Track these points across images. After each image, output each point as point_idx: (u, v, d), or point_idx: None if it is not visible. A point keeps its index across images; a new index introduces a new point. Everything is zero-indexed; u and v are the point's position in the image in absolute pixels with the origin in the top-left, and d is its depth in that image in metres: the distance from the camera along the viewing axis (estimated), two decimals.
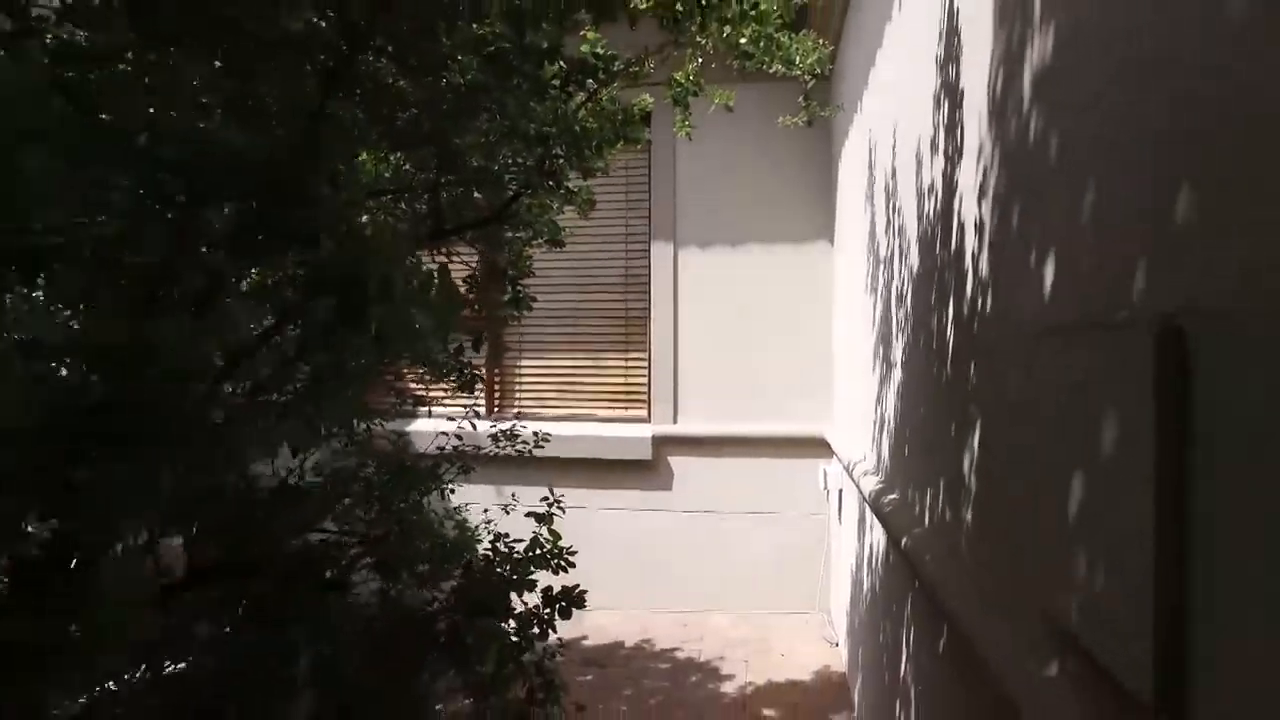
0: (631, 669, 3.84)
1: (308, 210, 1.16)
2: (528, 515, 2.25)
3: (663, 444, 4.57)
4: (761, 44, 2.10)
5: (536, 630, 2.23)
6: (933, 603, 1.72)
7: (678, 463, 4.57)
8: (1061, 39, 1.09)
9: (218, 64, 1.40)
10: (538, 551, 2.15)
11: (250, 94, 1.35)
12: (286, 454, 1.64)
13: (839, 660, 3.79)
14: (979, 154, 1.47)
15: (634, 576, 4.55)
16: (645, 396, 4.69)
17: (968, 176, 1.56)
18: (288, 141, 1.29)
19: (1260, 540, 0.64)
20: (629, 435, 4.59)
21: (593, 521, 4.55)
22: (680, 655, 3.98)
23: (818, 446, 4.28)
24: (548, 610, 2.22)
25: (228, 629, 1.54)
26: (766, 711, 3.36)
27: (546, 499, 2.39)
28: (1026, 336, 1.16)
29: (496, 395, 4.93)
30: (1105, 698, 0.90)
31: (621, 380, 4.76)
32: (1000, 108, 1.35)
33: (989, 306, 1.40)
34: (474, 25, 1.78)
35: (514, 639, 2.15)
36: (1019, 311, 1.23)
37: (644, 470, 4.60)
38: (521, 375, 4.90)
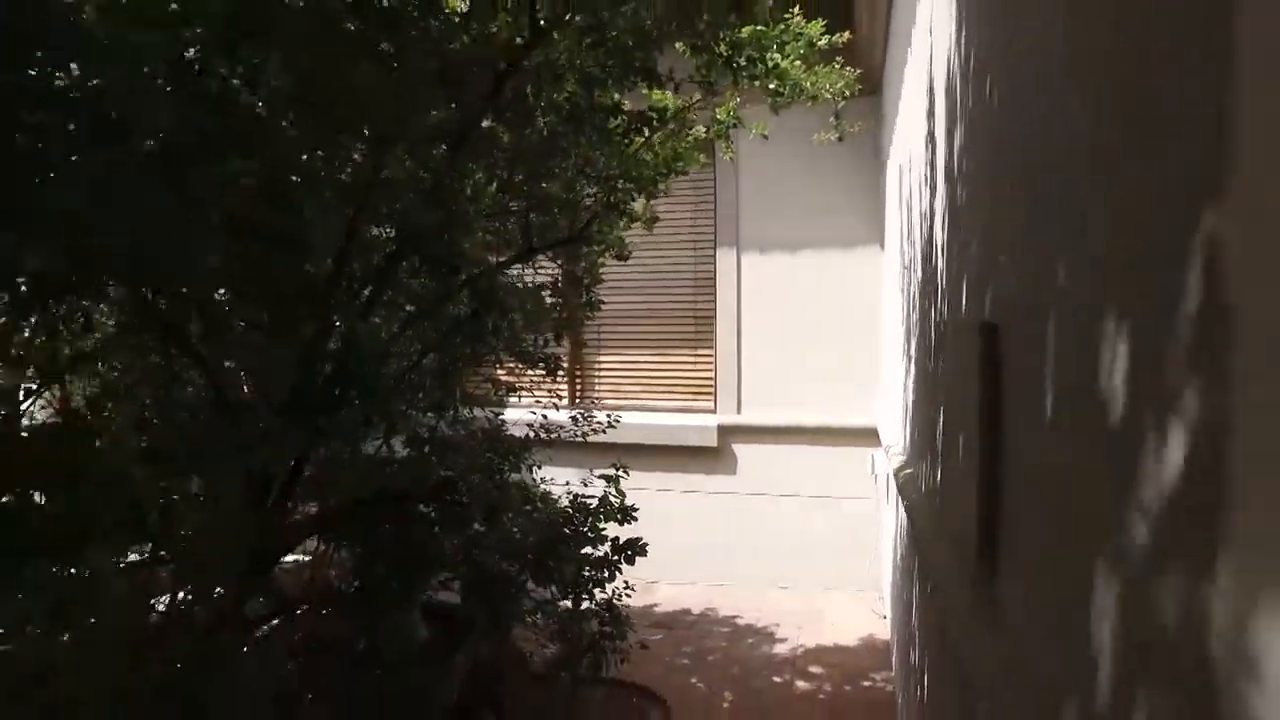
0: (695, 631, 4.31)
1: (445, 246, 1.69)
2: (599, 477, 2.76)
3: (727, 432, 5.02)
4: (787, 89, 2.54)
5: (606, 573, 2.74)
6: (919, 550, 2.13)
7: (741, 450, 5.01)
8: (968, 122, 1.50)
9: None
10: (606, 506, 2.65)
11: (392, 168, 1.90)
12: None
13: (885, 630, 4.15)
14: (944, 184, 1.88)
15: (700, 553, 5.01)
16: (711, 389, 5.15)
17: (939, 201, 1.97)
18: (431, 199, 1.83)
19: (1036, 441, 1.07)
20: (697, 424, 5.05)
21: (663, 503, 5.03)
22: (740, 622, 4.42)
23: (868, 435, 4.64)
24: (615, 556, 2.72)
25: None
26: (812, 668, 3.77)
27: (615, 464, 2.90)
28: (949, 333, 1.59)
29: (578, 387, 5.48)
30: (962, 555, 1.33)
31: (690, 374, 5.23)
32: (949, 155, 1.77)
33: (946, 310, 1.82)
34: (554, 91, 2.29)
35: (587, 574, 2.67)
36: (955, 314, 1.65)
37: (710, 456, 5.06)
38: (600, 369, 5.43)
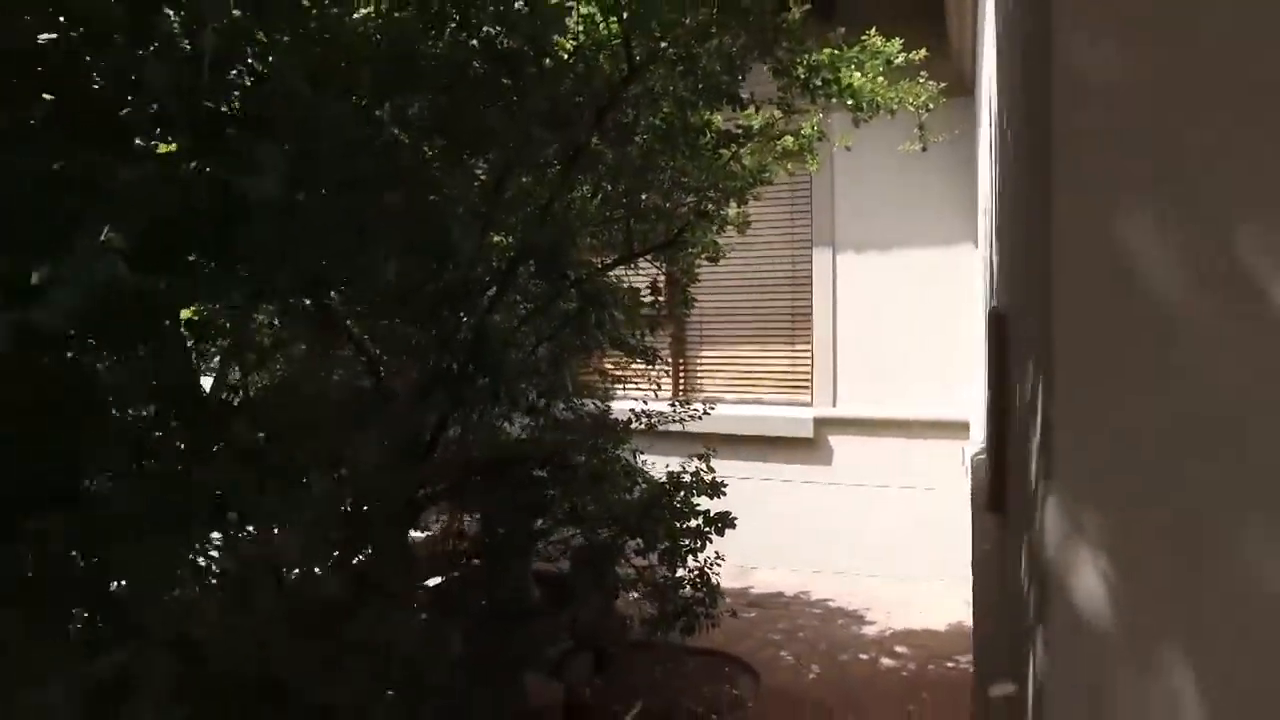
0: (788, 612, 4.55)
1: (554, 254, 2.05)
2: (692, 457, 3.07)
3: (823, 424, 5.21)
4: (865, 106, 2.76)
5: (698, 542, 3.05)
6: (975, 522, 2.33)
7: (836, 441, 5.20)
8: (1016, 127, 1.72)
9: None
10: (698, 482, 2.96)
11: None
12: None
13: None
14: (999, 180, 2.09)
15: (796, 541, 5.23)
16: (808, 382, 5.35)
17: (995, 197, 2.16)
18: (544, 215, 2.20)
19: (1033, 398, 1.31)
20: (794, 416, 5.28)
21: (761, 491, 5.28)
22: (831, 605, 4.62)
23: (960, 428, 4.73)
24: (706, 528, 3.03)
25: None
26: (898, 649, 3.95)
27: (707, 447, 3.21)
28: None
29: (681, 380, 5.80)
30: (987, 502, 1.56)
31: (788, 368, 5.45)
32: (1004, 154, 1.97)
33: (992, 300, 2.03)
34: (651, 114, 2.62)
35: (684, 544, 2.99)
36: (988, 304, 1.86)
37: (807, 447, 5.27)
38: (703, 364, 5.74)
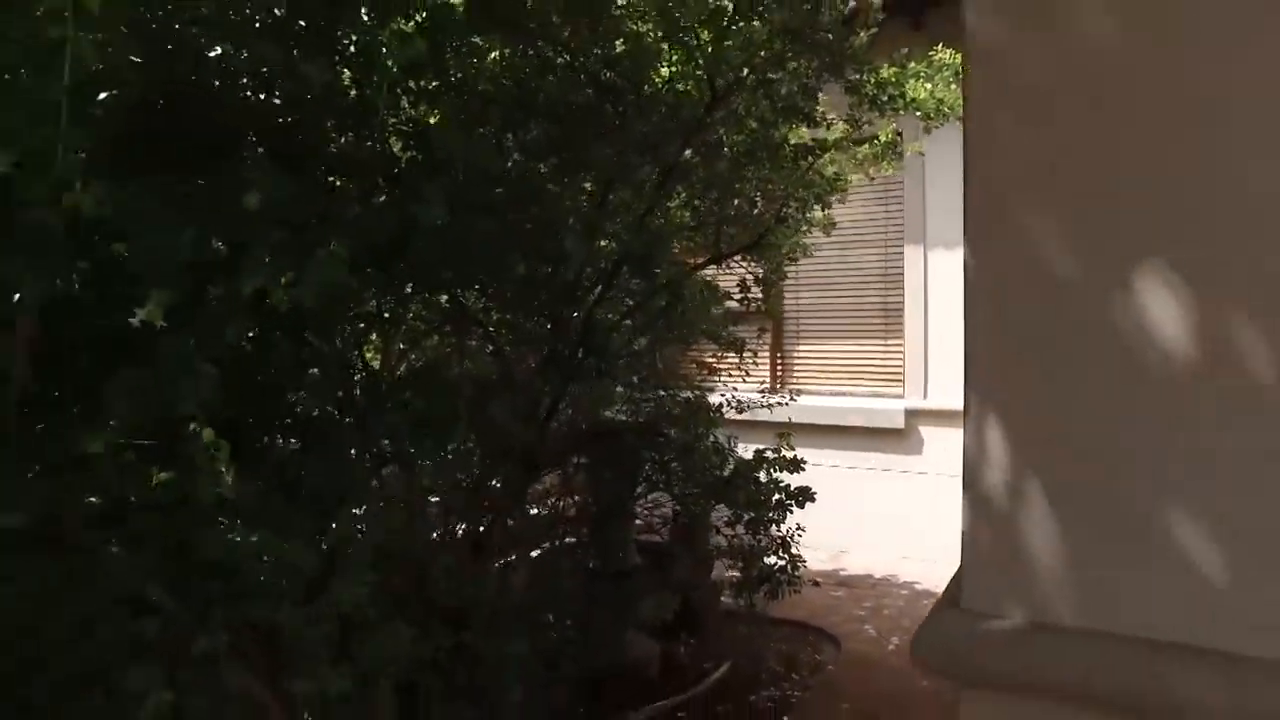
0: (875, 591, 4.79)
1: (648, 258, 2.46)
2: (776, 435, 3.40)
3: (914, 416, 5.41)
4: (933, 114, 3.02)
5: (779, 513, 3.38)
6: None
7: (927, 432, 5.38)
8: None
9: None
10: (780, 458, 3.29)
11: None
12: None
13: None
14: None
15: (886, 526, 5.44)
16: (900, 375, 5.55)
17: None
18: (640, 224, 2.61)
19: None
20: (886, 408, 5.50)
21: (854, 479, 5.53)
22: (918, 587, 4.83)
23: None
24: (788, 500, 3.36)
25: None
26: None
27: (800, 435, 3.54)
28: None
29: (779, 373, 6.11)
30: None
31: (881, 361, 5.67)
32: None
33: None
34: (735, 132, 2.98)
35: (767, 515, 3.33)
36: None
37: (898, 438, 5.47)
38: (799, 358, 6.03)
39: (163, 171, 1.38)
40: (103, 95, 1.28)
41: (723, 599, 4.24)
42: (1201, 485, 0.97)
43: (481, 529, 2.32)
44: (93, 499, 1.36)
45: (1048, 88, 1.06)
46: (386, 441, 1.99)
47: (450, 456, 2.02)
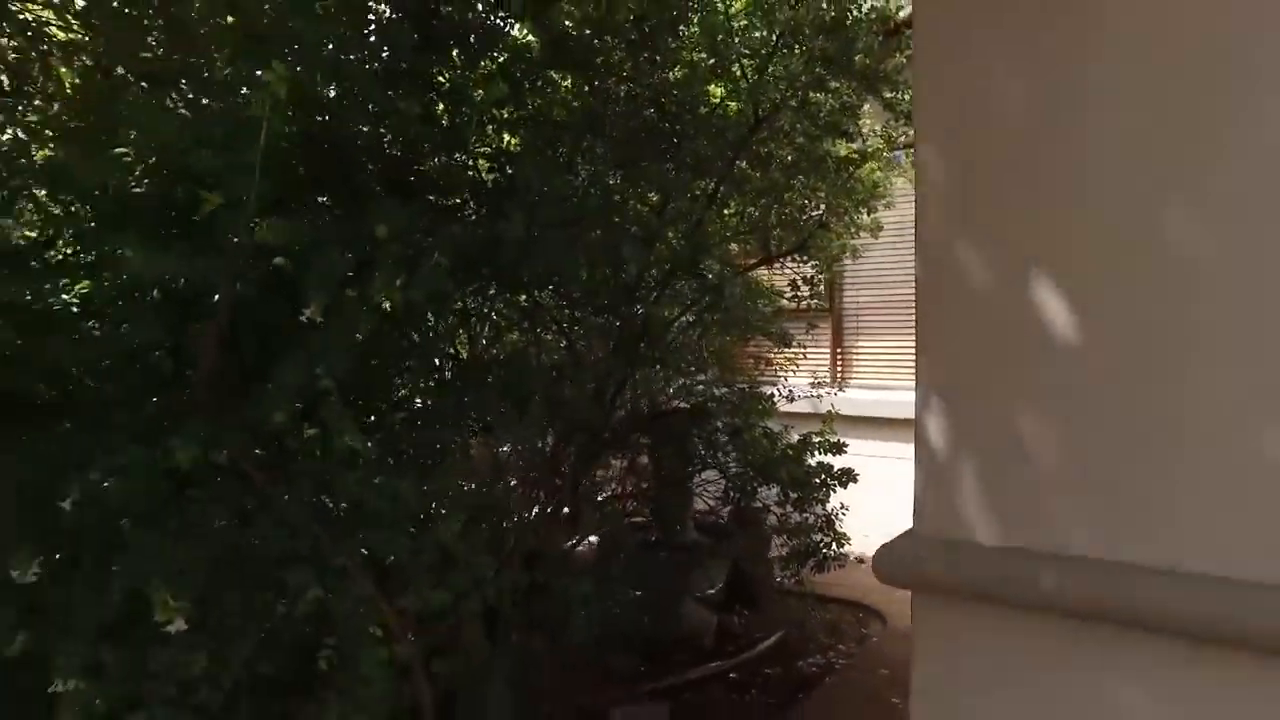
0: None
1: (697, 262, 2.82)
2: (821, 421, 3.71)
3: None
4: None
5: (824, 491, 3.69)
6: None
7: None
8: None
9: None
10: (823, 441, 3.60)
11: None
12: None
13: None
14: None
15: None
16: None
17: None
18: (694, 231, 2.97)
19: None
20: None
21: (910, 469, 5.72)
22: None
23: None
24: (831, 480, 3.66)
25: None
26: None
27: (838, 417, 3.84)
28: None
29: (839, 368, 6.35)
30: None
31: None
32: None
33: None
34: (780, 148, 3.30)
35: (813, 493, 3.64)
36: None
37: None
38: (859, 353, 6.26)
39: (313, 203, 1.83)
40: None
41: (777, 578, 4.55)
42: (1083, 432, 1.28)
43: (554, 491, 2.73)
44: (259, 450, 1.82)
45: (968, 155, 1.39)
46: (474, 415, 2.41)
47: (528, 429, 2.43)
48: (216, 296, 1.68)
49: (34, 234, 1.78)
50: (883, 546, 1.51)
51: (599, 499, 3.33)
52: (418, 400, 2.28)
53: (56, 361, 1.71)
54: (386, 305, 1.79)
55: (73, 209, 1.76)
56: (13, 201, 1.69)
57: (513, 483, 2.55)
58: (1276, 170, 1.13)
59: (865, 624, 4.34)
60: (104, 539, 1.52)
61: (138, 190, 1.71)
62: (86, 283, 1.73)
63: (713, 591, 4.48)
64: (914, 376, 1.51)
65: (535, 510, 2.62)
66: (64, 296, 1.68)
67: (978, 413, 1.41)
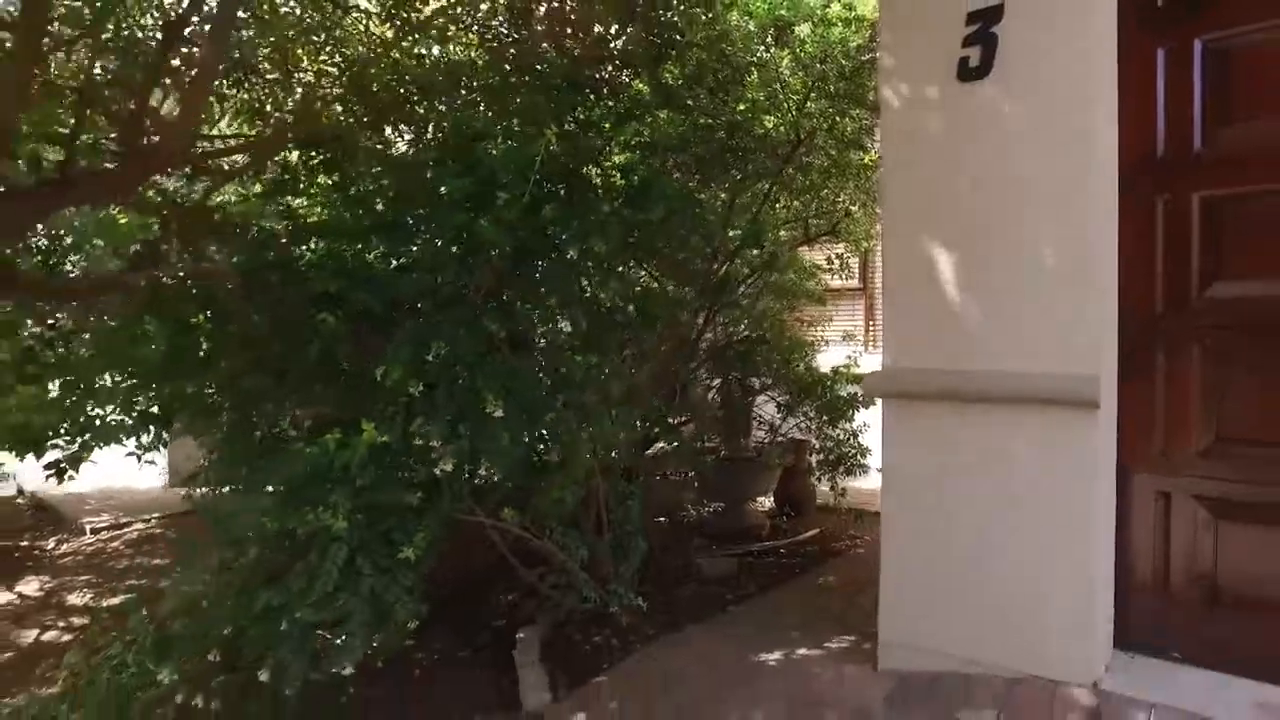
0: None
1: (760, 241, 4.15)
2: (846, 357, 4.99)
3: None
4: None
5: (850, 411, 4.97)
6: None
7: None
8: None
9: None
10: (849, 370, 4.88)
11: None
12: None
13: None
14: None
15: None
16: None
17: None
18: (753, 222, 4.29)
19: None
20: None
21: None
22: None
23: None
24: (856, 402, 4.94)
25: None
26: None
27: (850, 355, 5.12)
28: None
29: (871, 335, 7.60)
30: None
31: None
32: None
33: None
34: (817, 157, 4.60)
35: (841, 410, 4.93)
36: None
37: None
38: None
39: (556, 195, 3.21)
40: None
41: (815, 493, 5.83)
42: (956, 313, 2.58)
43: (670, 389, 4.08)
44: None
45: (910, 201, 2.70)
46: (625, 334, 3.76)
47: (653, 343, 3.79)
48: (495, 251, 3.05)
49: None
50: (867, 375, 2.83)
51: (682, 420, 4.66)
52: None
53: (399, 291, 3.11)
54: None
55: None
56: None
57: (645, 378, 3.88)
58: (1002, 197, 2.43)
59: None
60: (450, 375, 2.90)
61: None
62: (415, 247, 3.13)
63: (766, 497, 5.80)
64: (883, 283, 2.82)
65: (658, 399, 3.97)
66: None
67: (914, 307, 2.72)
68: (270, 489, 2.68)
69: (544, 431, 3.07)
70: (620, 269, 3.64)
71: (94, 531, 6.77)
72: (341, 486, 2.60)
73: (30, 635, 4.65)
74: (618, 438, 3.57)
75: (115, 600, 4.69)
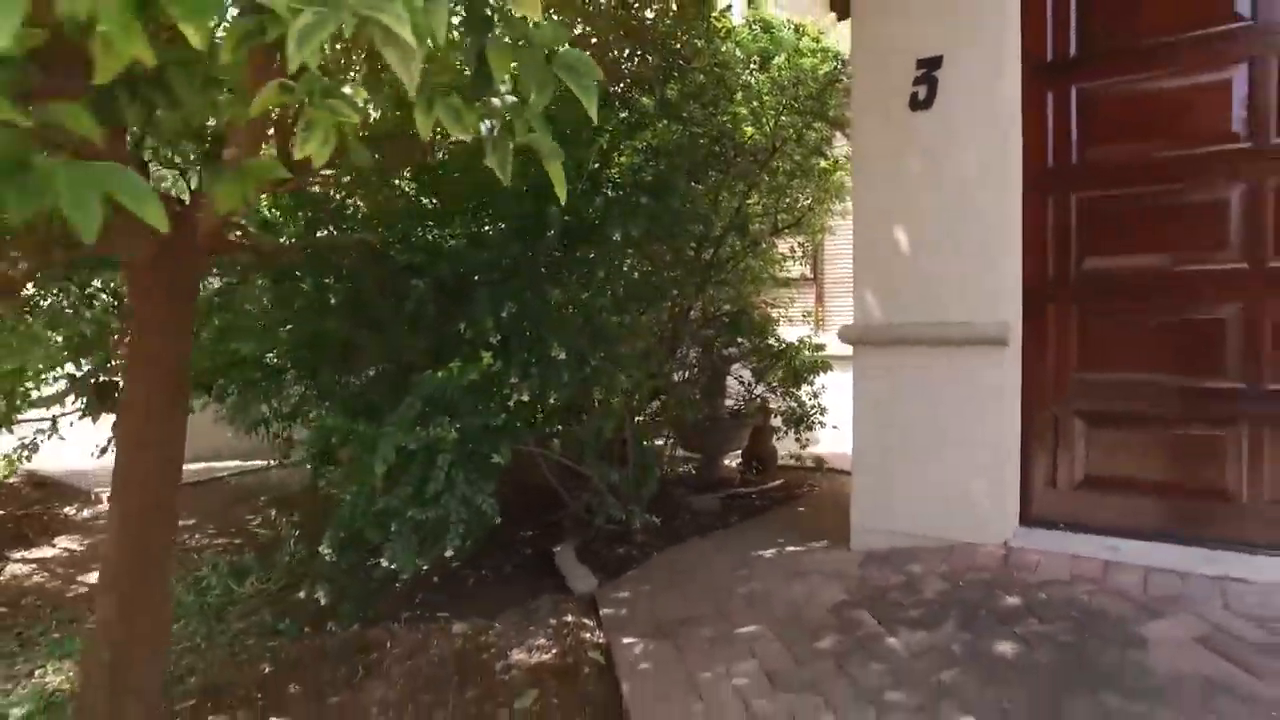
0: None
1: (744, 231, 5.05)
2: (802, 339, 5.95)
3: None
4: None
5: (808, 375, 5.93)
6: None
7: None
8: None
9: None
10: (806, 344, 5.84)
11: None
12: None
13: None
14: None
15: None
16: None
17: None
18: (737, 216, 5.19)
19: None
20: None
21: None
22: None
23: None
24: (816, 368, 5.90)
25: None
26: None
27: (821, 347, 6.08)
28: None
29: (821, 316, 8.63)
30: None
31: None
32: None
33: None
34: (784, 162, 5.53)
35: (804, 378, 5.88)
36: None
37: None
38: (835, 308, 8.53)
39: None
40: None
41: (780, 458, 6.79)
42: (908, 281, 3.52)
43: (671, 347, 4.93)
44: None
45: (876, 197, 3.63)
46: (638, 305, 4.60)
47: (660, 312, 4.63)
48: (550, 231, 3.86)
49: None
50: (842, 327, 3.76)
51: (675, 380, 5.53)
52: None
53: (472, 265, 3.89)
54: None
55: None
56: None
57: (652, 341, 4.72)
58: (940, 196, 3.39)
59: (833, 480, 6.56)
60: (520, 329, 3.70)
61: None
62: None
63: (738, 452, 6.72)
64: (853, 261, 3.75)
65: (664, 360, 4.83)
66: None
67: (876, 277, 3.65)
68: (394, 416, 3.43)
69: (589, 372, 3.88)
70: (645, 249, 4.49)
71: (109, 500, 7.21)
72: (447, 412, 3.38)
73: (94, 576, 5.19)
74: (639, 385, 4.42)
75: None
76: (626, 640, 3.16)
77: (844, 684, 2.56)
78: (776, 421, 6.29)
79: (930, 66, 3.47)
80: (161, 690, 2.42)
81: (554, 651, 3.25)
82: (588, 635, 3.36)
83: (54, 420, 5.07)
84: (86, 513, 7.01)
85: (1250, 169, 3.06)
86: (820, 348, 5.87)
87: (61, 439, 5.30)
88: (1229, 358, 3.13)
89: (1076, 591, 2.92)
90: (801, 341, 5.80)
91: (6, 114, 1.07)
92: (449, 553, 3.44)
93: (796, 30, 5.18)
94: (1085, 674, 2.41)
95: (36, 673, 3.69)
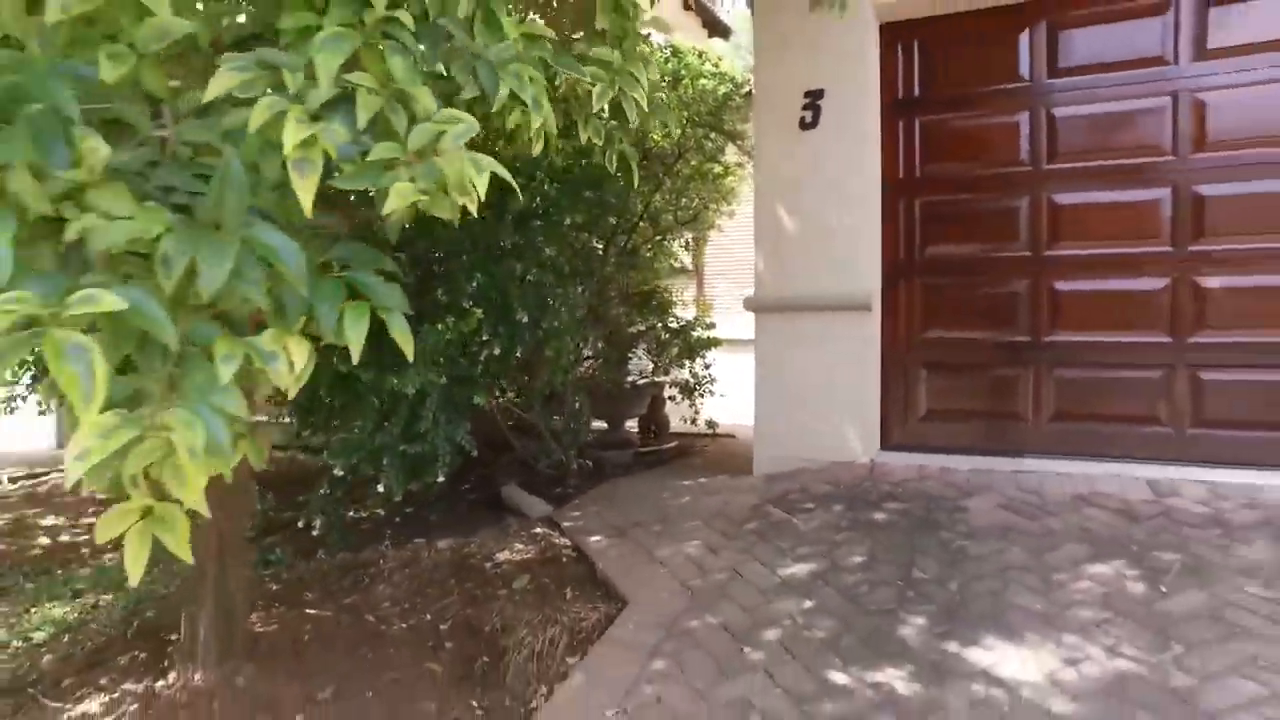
0: None
1: (656, 222, 5.95)
2: (695, 319, 6.96)
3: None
4: None
5: (699, 352, 6.94)
6: None
7: None
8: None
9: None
10: (699, 325, 6.84)
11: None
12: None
13: None
14: None
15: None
16: None
17: None
18: (646, 212, 6.10)
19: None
20: None
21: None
22: None
23: None
24: (706, 346, 6.92)
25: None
26: None
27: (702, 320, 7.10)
28: None
29: (701, 303, 9.69)
30: None
31: None
32: None
33: None
34: (684, 167, 6.51)
35: (695, 351, 6.88)
36: None
37: None
38: (719, 291, 9.63)
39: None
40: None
41: (673, 425, 7.76)
42: (798, 258, 4.55)
43: (596, 321, 5.76)
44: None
45: (782, 175, 4.64)
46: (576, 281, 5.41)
47: (589, 289, 5.45)
48: (510, 217, 4.60)
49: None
50: (746, 298, 4.75)
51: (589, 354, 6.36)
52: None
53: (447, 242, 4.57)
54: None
55: None
56: None
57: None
58: (822, 198, 4.46)
59: (725, 442, 7.62)
60: (490, 297, 4.42)
61: None
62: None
63: (637, 419, 7.63)
64: (754, 250, 4.75)
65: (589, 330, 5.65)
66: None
67: (771, 260, 4.66)
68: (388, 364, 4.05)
69: (542, 334, 4.65)
70: (585, 233, 5.31)
71: (13, 480, 7.13)
72: (434, 363, 4.06)
73: (42, 541, 5.35)
74: (577, 348, 5.23)
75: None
76: (591, 539, 3.98)
77: (766, 547, 3.52)
78: (672, 392, 7.26)
79: (815, 97, 4.52)
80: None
81: (533, 552, 4.02)
82: (557, 540, 4.15)
83: None
84: None
85: (1031, 184, 4.32)
86: (711, 326, 6.88)
87: None
88: (1020, 319, 4.38)
89: (922, 485, 4.05)
90: (695, 320, 6.79)
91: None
92: (440, 478, 4.12)
93: (700, 56, 6.16)
94: (929, 527, 3.50)
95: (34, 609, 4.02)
